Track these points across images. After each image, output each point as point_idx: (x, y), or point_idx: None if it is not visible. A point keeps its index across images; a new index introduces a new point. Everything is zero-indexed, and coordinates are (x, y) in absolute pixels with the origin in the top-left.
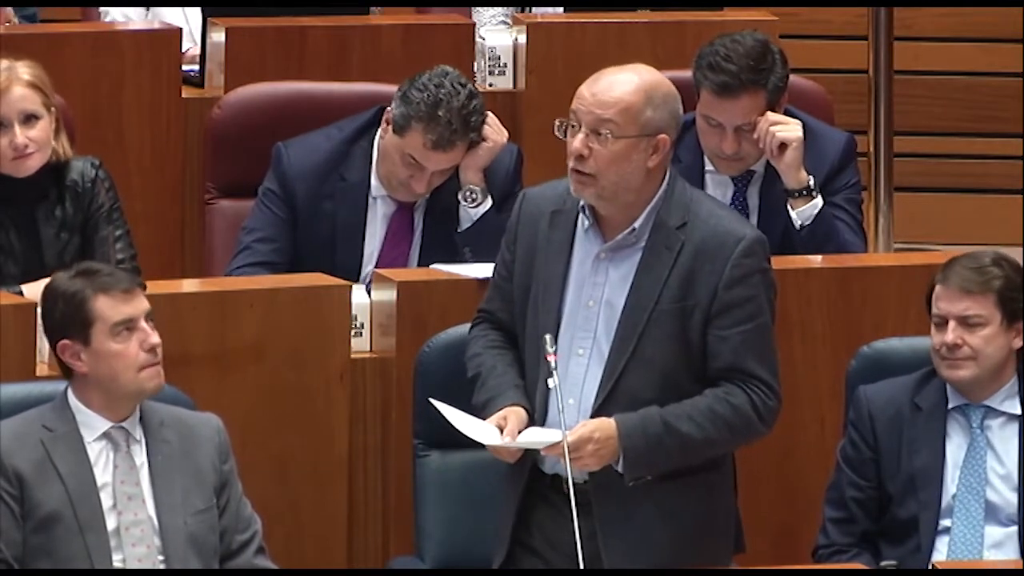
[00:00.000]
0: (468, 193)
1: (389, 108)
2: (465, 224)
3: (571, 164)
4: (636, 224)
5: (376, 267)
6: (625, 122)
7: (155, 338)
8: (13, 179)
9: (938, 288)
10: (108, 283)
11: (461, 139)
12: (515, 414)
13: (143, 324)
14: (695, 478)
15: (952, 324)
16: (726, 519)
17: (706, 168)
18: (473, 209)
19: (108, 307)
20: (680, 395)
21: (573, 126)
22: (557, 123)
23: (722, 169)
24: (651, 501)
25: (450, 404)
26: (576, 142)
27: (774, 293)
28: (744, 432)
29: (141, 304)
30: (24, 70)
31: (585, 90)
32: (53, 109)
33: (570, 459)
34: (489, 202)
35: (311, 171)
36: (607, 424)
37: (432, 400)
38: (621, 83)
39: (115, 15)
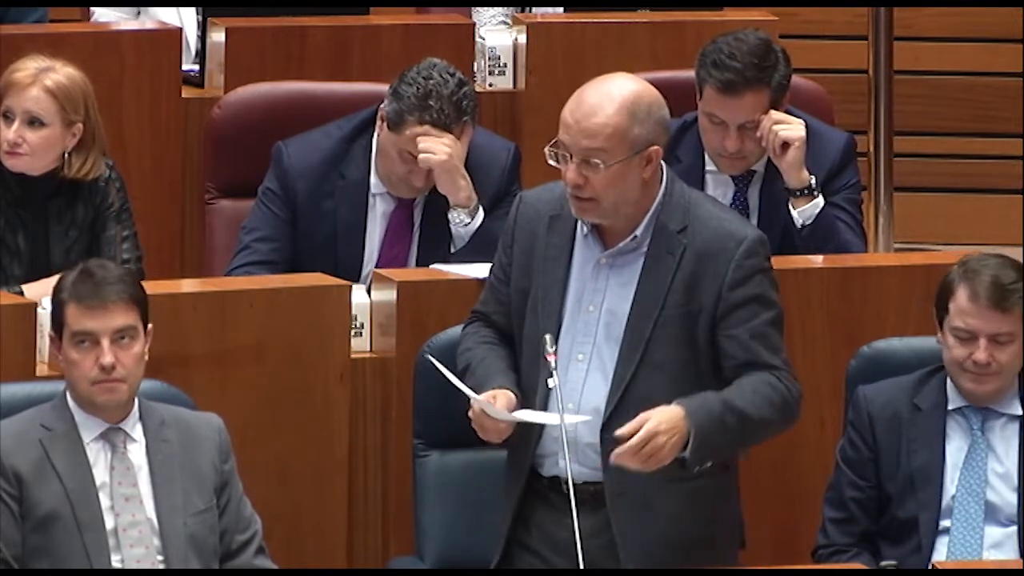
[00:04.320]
0: (456, 216)
1: (383, 106)
2: (459, 244)
3: (569, 191)
4: (638, 231)
5: (376, 265)
6: (614, 147)
7: (108, 358)
8: (27, 179)
9: (967, 303)
10: (83, 292)
11: (455, 126)
12: (503, 395)
13: (104, 341)
14: (707, 479)
15: (984, 342)
16: (732, 520)
17: (707, 168)
18: (464, 228)
19: (73, 316)
20: None
21: (564, 156)
22: (548, 152)
23: (723, 168)
24: (666, 503)
25: (450, 403)
26: (570, 173)
27: (776, 290)
28: (784, 412)
29: (110, 321)
30: (54, 76)
31: (569, 117)
32: (78, 125)
33: (637, 462)
34: (480, 215)
35: (311, 170)
36: (671, 412)
37: (430, 357)
38: (603, 106)
39: (106, 15)
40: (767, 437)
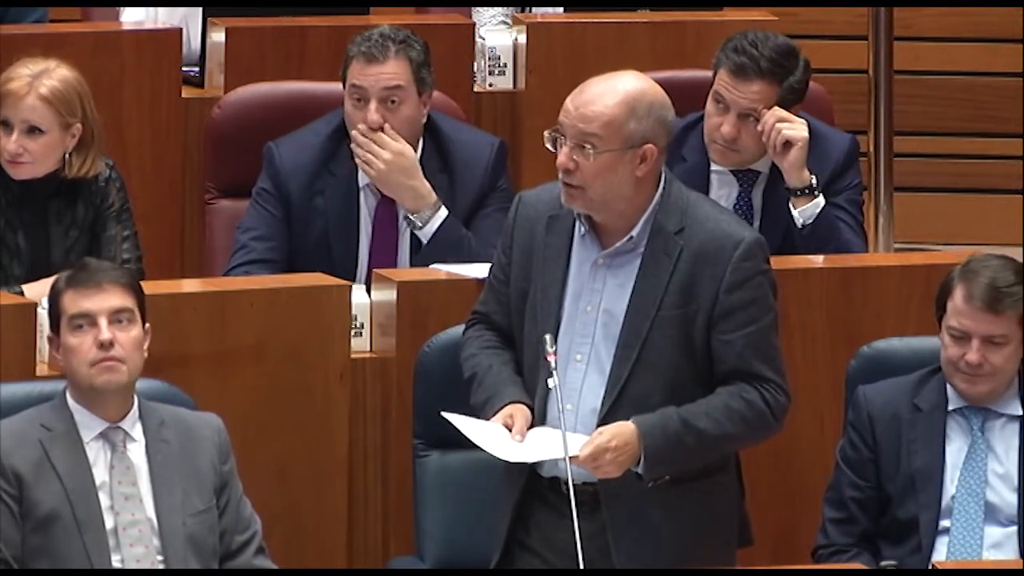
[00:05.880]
0: (407, 222)
1: None
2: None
3: (560, 176)
4: (634, 232)
5: (368, 259)
6: (608, 135)
7: (106, 334)
8: (28, 179)
9: (962, 303)
10: (80, 279)
11: (394, 51)
12: (520, 411)
13: (101, 320)
14: (703, 481)
15: (976, 343)
16: (730, 520)
17: (711, 168)
18: (418, 232)
19: (70, 301)
20: (685, 399)
21: (560, 138)
22: (547, 135)
23: (717, 158)
24: (660, 502)
25: (450, 404)
26: (561, 156)
27: (775, 292)
28: (758, 427)
29: (107, 301)
30: (48, 83)
31: (570, 103)
32: (76, 126)
33: (590, 469)
34: (438, 218)
35: (302, 168)
36: (623, 429)
37: (444, 413)
38: (604, 95)
39: (136, 15)
40: (737, 450)
